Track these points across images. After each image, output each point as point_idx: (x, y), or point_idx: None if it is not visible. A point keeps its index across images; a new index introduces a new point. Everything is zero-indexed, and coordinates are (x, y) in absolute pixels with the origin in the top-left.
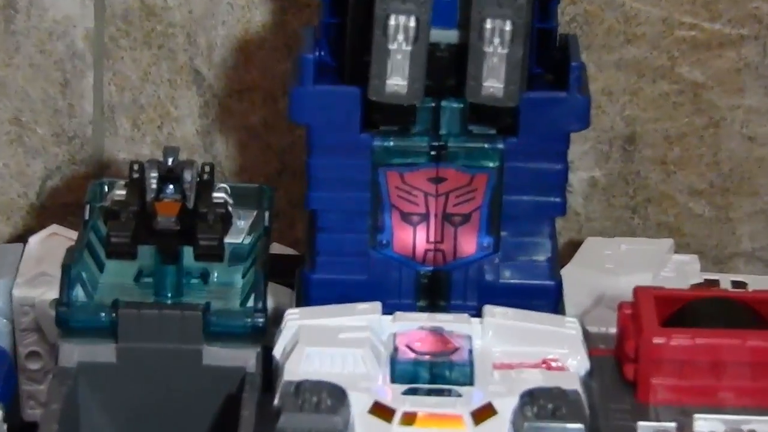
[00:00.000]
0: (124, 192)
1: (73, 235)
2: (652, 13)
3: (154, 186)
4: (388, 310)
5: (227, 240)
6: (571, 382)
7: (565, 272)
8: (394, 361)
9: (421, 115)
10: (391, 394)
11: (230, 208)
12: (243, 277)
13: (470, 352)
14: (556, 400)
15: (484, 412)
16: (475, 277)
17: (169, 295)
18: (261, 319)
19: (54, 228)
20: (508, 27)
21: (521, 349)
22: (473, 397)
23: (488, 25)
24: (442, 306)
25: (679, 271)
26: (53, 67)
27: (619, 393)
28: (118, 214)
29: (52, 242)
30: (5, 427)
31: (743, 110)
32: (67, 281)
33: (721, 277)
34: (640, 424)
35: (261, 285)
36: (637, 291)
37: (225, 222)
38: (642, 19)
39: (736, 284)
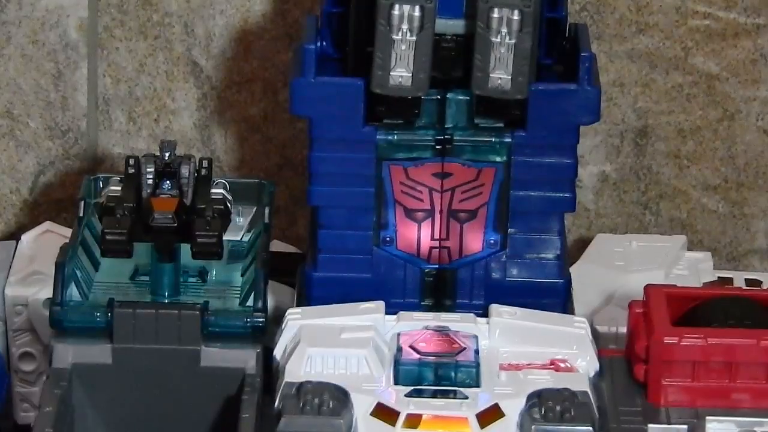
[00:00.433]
0: (119, 188)
1: (67, 232)
2: (665, 1)
3: (150, 181)
4: (391, 310)
5: (226, 237)
6: (580, 384)
7: (575, 270)
8: (398, 362)
9: (426, 108)
10: (395, 396)
11: (229, 204)
12: (242, 275)
13: (476, 352)
14: (564, 401)
15: (491, 415)
16: (481, 275)
17: (166, 294)
18: (261, 319)
19: (47, 225)
20: (516, 16)
21: (529, 350)
22: (479, 399)
23: (496, 14)
24: (448, 305)
25: (691, 269)
26: (46, 58)
27: (630, 394)
28: (113, 210)
29: (46, 240)
30: None
31: (759, 102)
32: (60, 280)
33: (735, 275)
34: (651, 426)
35: (261, 284)
36: (649, 289)
37: (224, 218)
38: (654, 7)
39: (750, 282)
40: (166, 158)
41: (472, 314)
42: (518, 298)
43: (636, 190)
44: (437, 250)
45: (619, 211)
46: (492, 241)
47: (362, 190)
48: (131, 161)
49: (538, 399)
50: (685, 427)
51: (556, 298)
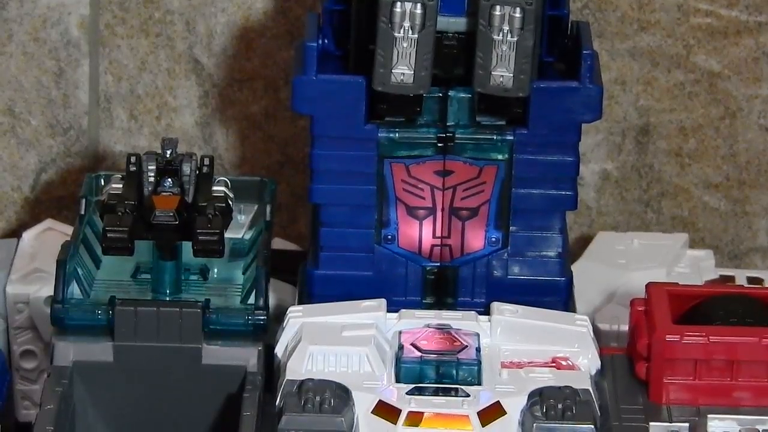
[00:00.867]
0: (120, 185)
1: (69, 230)
2: None
3: (151, 179)
4: (393, 308)
5: (227, 235)
6: (582, 382)
7: (576, 268)
8: (399, 360)
9: (427, 106)
10: (396, 393)
11: (230, 202)
12: (244, 273)
13: (478, 350)
14: (566, 399)
15: (492, 413)
16: (483, 273)
17: (168, 291)
18: (262, 317)
19: (48, 223)
20: (518, 14)
21: (530, 348)
22: (481, 396)
23: (497, 11)
24: (449, 303)
25: (693, 267)
26: (47, 56)
27: (631, 392)
28: (114, 208)
29: (47, 237)
30: (0, 428)
31: (761, 100)
32: (62, 278)
33: (736, 273)
34: (653, 424)
35: (262, 281)
36: (650, 287)
37: (225, 216)
38: (656, 5)
39: (752, 280)
40: (168, 156)
41: (473, 312)
42: (520, 295)
43: (638, 188)
44: (439, 247)
45: (621, 209)
46: (493, 239)
47: (364, 187)
48: (132, 159)
49: (539, 397)
50: (687, 425)
51: (558, 296)
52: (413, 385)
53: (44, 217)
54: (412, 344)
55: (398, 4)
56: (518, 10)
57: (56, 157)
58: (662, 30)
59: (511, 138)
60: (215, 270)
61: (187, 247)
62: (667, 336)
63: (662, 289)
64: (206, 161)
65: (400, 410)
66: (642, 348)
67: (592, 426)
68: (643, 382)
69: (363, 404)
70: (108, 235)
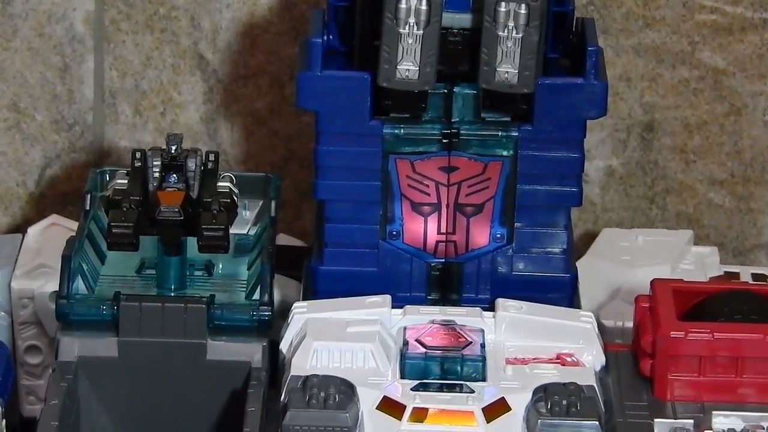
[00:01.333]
0: (125, 181)
1: (73, 225)
2: None
3: (156, 175)
4: (398, 304)
5: (232, 231)
6: (586, 378)
7: (581, 264)
8: (404, 355)
9: (432, 102)
10: (401, 389)
11: (235, 198)
12: (248, 268)
13: (482, 346)
14: (570, 396)
15: (497, 409)
16: (487, 269)
17: (172, 287)
18: (267, 313)
19: (53, 218)
20: (523, 10)
21: (535, 344)
22: (485, 392)
23: (502, 8)
24: (454, 299)
25: (698, 264)
26: (52, 51)
27: (636, 389)
28: (119, 203)
29: (52, 233)
30: (4, 422)
31: (766, 97)
32: (67, 273)
33: (741, 269)
34: (657, 420)
35: (267, 277)
36: (655, 284)
37: (230, 212)
38: (661, 2)
39: (757, 277)
40: (173, 151)
41: (478, 308)
42: (524, 292)
43: (642, 184)
44: (443, 244)
45: (626, 205)
46: (498, 235)
47: (368, 183)
48: (137, 154)
49: (544, 393)
50: (692, 421)
51: (563, 292)
52: (418, 381)
53: (49, 213)
54: (417, 340)
55: (404, 0)
56: (523, 6)
57: (61, 152)
58: (667, 26)
59: (516, 134)
60: (220, 266)
61: (192, 242)
62: (672, 332)
63: (667, 285)
64: (211, 157)
65: (405, 406)
66: (646, 344)
67: (597, 422)
68: (648, 378)
69: (368, 400)
70: (113, 230)
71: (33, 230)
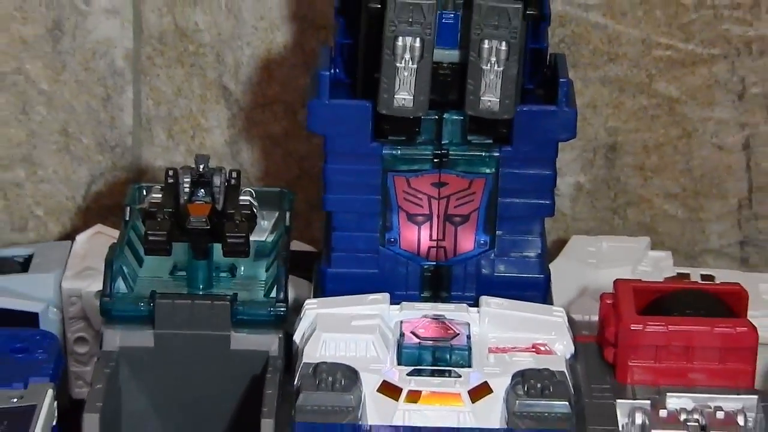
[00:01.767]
0: (160, 195)
1: (115, 233)
2: (632, 34)
3: (187, 190)
4: (395, 301)
5: (252, 238)
6: (558, 365)
7: (554, 267)
8: (400, 345)
9: (425, 126)
10: (398, 374)
11: (255, 210)
12: (266, 270)
13: (468, 337)
14: (544, 380)
15: (481, 391)
16: (473, 271)
17: (201, 287)
18: (282, 308)
19: (98, 227)
20: (503, 47)
21: (514, 335)
22: (471, 377)
23: (486, 45)
24: (444, 297)
25: (654, 266)
26: (96, 83)
27: (601, 374)
28: (154, 214)
29: (97, 240)
30: (56, 403)
31: (713, 122)
32: (109, 275)
33: (691, 271)
34: (619, 401)
35: (282, 278)
36: (617, 283)
37: (250, 222)
38: (623, 40)
39: (705, 277)
40: (201, 170)
41: (464, 305)
42: (505, 290)
43: (607, 197)
44: (435, 249)
45: (592, 216)
46: (482, 242)
47: (370, 197)
48: (170, 172)
49: (521, 378)
50: (648, 402)
51: (538, 291)
52: (413, 368)
53: (94, 223)
54: (412, 332)
55: (400, 38)
56: (504, 43)
57: (104, 170)
58: (628, 61)
59: (498, 154)
60: (242, 268)
61: (217, 248)
62: (632, 325)
63: (628, 285)
64: (234, 174)
65: (402, 389)
66: (610, 336)
67: (567, 403)
68: (611, 365)
69: (369, 384)
70: (149, 238)
71: (80, 238)
